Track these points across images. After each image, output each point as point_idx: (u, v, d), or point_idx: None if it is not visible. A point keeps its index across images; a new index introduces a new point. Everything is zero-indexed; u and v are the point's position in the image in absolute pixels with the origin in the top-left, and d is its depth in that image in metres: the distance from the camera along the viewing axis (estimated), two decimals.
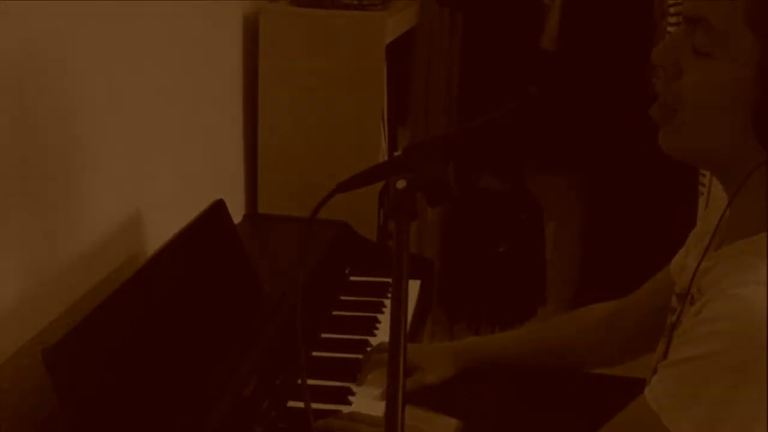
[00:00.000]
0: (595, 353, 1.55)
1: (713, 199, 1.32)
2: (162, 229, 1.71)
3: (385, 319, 1.88)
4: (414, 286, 2.03)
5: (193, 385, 1.42)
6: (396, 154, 2.57)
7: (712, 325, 1.02)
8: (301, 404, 1.53)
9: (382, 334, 1.83)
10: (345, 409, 1.55)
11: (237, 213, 2.22)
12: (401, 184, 1.07)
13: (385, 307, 1.94)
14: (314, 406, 1.50)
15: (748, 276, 1.02)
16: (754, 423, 0.99)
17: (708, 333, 1.02)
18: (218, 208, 1.72)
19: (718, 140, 1.08)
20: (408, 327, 1.00)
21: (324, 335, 1.81)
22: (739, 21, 1.02)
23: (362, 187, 1.19)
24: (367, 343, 1.78)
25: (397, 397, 0.89)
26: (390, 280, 1.00)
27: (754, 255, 1.05)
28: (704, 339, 1.02)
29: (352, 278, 2.09)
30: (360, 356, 1.73)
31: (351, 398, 1.59)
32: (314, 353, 1.74)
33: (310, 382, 1.60)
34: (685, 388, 1.03)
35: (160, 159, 1.88)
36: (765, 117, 1.01)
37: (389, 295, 1.84)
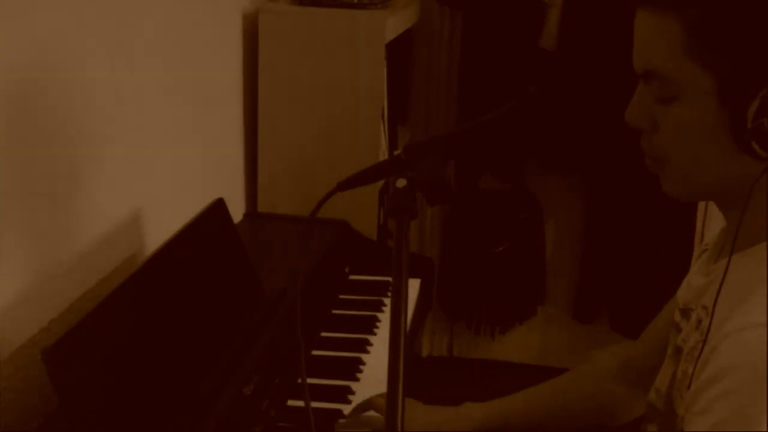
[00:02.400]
0: (615, 406, 1.47)
1: (710, 217, 1.32)
2: (162, 228, 1.71)
3: (385, 318, 1.88)
4: (414, 285, 2.03)
5: (192, 384, 1.42)
6: (396, 153, 2.58)
7: (722, 385, 1.00)
8: (300, 403, 1.53)
9: (382, 333, 1.83)
10: (345, 408, 1.55)
11: (237, 212, 2.22)
12: (401, 183, 1.07)
13: (385, 305, 1.94)
14: (314, 405, 1.50)
15: (750, 311, 1.01)
16: None
17: (719, 395, 1.00)
18: (218, 207, 1.72)
19: (713, 171, 1.09)
20: (408, 326, 1.00)
21: (324, 334, 1.81)
22: (682, 58, 1.04)
23: (362, 186, 1.18)
24: (367, 341, 1.78)
25: (397, 396, 0.89)
26: (390, 278, 1.00)
27: (754, 274, 1.05)
28: (718, 403, 1.01)
29: (352, 277, 2.09)
30: (360, 355, 1.73)
31: (351, 397, 1.59)
32: (314, 352, 1.74)
33: (310, 381, 1.60)
34: None
35: (160, 158, 1.88)
36: (743, 131, 1.02)
37: (389, 293, 1.84)
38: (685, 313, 1.19)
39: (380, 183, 2.30)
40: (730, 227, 1.15)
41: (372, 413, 1.48)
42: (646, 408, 1.27)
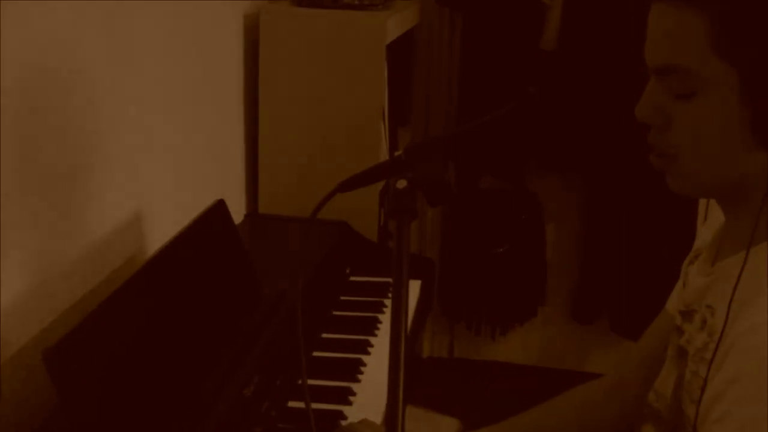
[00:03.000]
0: (611, 426, 1.43)
1: (710, 214, 1.30)
2: (162, 229, 1.71)
3: (386, 319, 1.88)
4: (414, 286, 2.03)
5: (193, 384, 1.42)
6: (396, 153, 2.57)
7: (733, 393, 0.99)
8: (301, 404, 1.53)
9: (383, 334, 1.83)
10: (346, 408, 1.55)
11: (238, 213, 2.22)
12: (402, 183, 1.07)
13: (386, 307, 1.93)
14: (315, 406, 1.50)
15: (756, 312, 1.00)
16: None
17: (731, 404, 0.99)
18: (219, 208, 1.72)
19: (724, 168, 1.08)
20: (409, 327, 1.00)
21: (324, 335, 1.81)
22: (708, 53, 1.02)
23: (363, 187, 1.18)
24: (368, 343, 1.78)
25: (397, 397, 0.89)
26: (390, 280, 1.00)
27: (761, 271, 1.04)
28: (730, 413, 0.99)
29: (353, 278, 2.09)
30: (361, 356, 1.73)
31: (351, 398, 1.59)
32: (315, 353, 1.74)
33: (311, 382, 1.60)
34: None
35: (161, 159, 1.88)
36: (766, 128, 1.01)
37: (390, 295, 1.84)
38: (688, 315, 1.18)
39: (380, 184, 2.30)
40: (730, 225, 1.14)
41: None
42: (643, 408, 1.26)
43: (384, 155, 2.49)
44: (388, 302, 1.94)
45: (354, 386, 1.62)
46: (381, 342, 1.80)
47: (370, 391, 1.61)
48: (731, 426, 0.99)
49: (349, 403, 1.57)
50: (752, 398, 0.97)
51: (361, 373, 1.68)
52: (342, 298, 1.98)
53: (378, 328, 1.85)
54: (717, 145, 1.06)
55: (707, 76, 1.03)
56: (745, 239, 1.08)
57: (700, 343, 1.11)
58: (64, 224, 1.55)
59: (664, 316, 1.33)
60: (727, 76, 1.02)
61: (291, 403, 1.55)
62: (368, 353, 1.76)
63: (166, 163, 1.91)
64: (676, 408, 1.16)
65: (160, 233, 1.73)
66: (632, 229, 2.97)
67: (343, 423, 1.51)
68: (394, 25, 2.44)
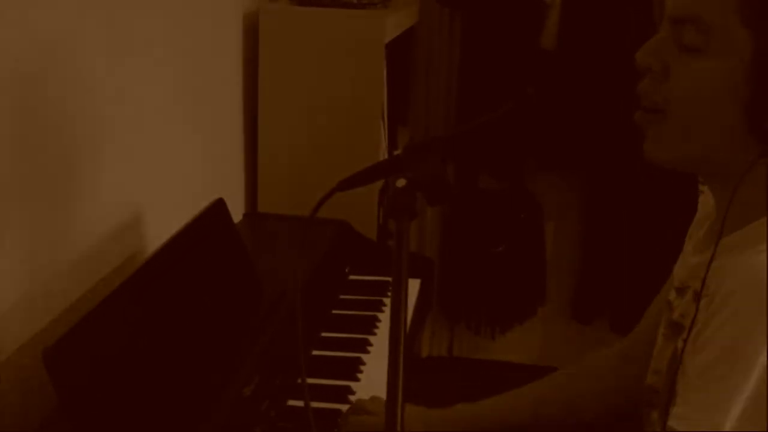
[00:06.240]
0: (609, 401, 1.43)
1: (704, 196, 1.29)
2: (162, 228, 1.71)
3: (385, 317, 1.88)
4: (414, 285, 2.02)
5: (193, 384, 1.42)
6: (396, 153, 2.57)
7: (724, 314, 0.98)
8: (301, 403, 1.53)
9: (382, 333, 1.83)
10: (345, 407, 1.55)
11: (237, 212, 2.22)
12: (401, 183, 1.07)
13: (385, 305, 1.93)
14: (314, 405, 1.50)
15: (752, 251, 1.00)
16: None
17: (720, 324, 0.99)
18: (218, 207, 1.72)
19: (711, 141, 1.06)
20: (408, 326, 1.00)
21: (324, 334, 1.81)
22: (732, 14, 1.00)
23: (362, 186, 1.18)
24: (367, 341, 1.78)
25: (397, 396, 0.89)
26: (390, 279, 1.00)
27: (754, 241, 1.03)
28: (719, 332, 0.98)
29: (352, 277, 2.09)
30: (360, 355, 1.73)
31: (351, 397, 1.59)
32: (314, 352, 1.74)
33: (311, 381, 1.60)
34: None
35: (160, 158, 1.88)
36: (761, 113, 1.00)
37: (389, 293, 1.84)
38: (681, 291, 1.18)
39: (380, 183, 2.31)
40: (722, 206, 1.11)
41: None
42: (644, 393, 1.25)
43: (383, 155, 2.49)
44: (387, 301, 1.94)
45: (354, 385, 1.62)
46: (380, 341, 1.80)
47: (370, 389, 1.61)
48: (717, 347, 0.98)
49: (349, 402, 1.57)
50: (741, 315, 0.96)
51: (361, 371, 1.68)
52: (341, 296, 1.98)
53: (377, 327, 1.86)
54: (708, 110, 1.04)
55: (723, 36, 1.01)
56: (742, 219, 1.06)
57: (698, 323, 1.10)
58: (63, 223, 1.55)
59: (668, 287, 1.32)
60: (742, 44, 1.01)
61: (291, 402, 1.55)
62: (368, 352, 1.76)
63: (165, 162, 1.91)
64: (670, 386, 1.15)
65: (159, 232, 1.73)
66: (632, 229, 2.97)
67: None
68: (394, 24, 2.44)
